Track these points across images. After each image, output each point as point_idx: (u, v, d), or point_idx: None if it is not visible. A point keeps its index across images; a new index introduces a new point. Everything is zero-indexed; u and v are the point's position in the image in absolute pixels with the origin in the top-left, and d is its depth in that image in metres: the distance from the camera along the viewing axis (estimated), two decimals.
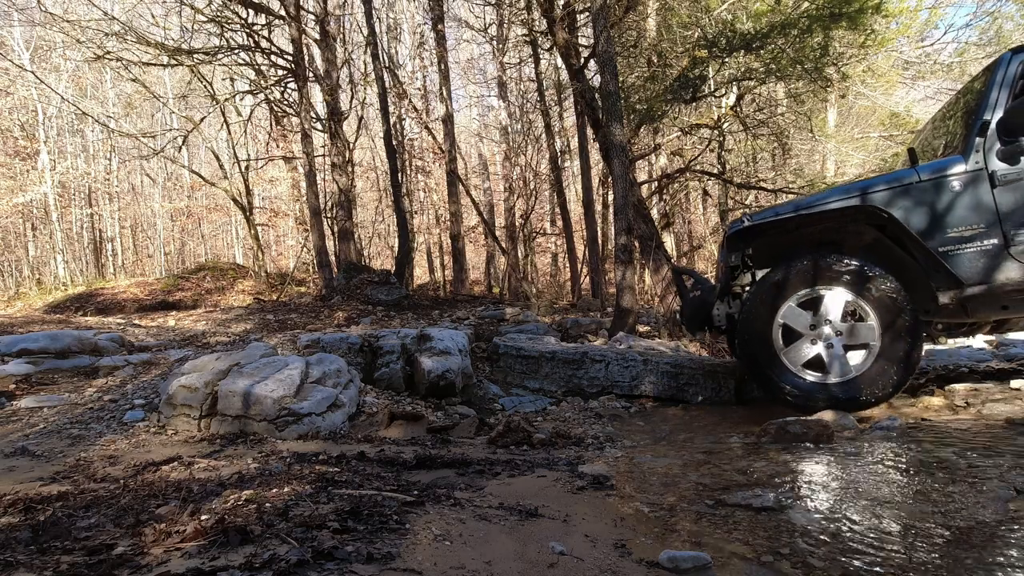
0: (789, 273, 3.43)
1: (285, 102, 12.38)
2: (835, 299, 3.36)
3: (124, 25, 9.72)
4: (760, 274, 3.78)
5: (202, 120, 13.52)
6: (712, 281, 3.93)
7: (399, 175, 11.86)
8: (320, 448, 3.08)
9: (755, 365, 3.54)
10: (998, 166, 3.13)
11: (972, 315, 3.45)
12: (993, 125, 3.17)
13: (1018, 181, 3.08)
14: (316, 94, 13.08)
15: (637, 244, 7.88)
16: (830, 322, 3.37)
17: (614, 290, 7.45)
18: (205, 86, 12.32)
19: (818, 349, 3.41)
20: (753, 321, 3.50)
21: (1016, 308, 3.37)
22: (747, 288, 3.83)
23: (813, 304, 3.42)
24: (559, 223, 16.52)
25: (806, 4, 7.55)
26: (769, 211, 3.72)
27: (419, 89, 17.79)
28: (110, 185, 21.10)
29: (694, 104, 9.96)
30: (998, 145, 3.14)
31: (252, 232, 14.34)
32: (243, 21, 10.19)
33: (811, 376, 3.44)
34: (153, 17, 11.68)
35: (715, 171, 12.24)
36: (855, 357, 3.40)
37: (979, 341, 6.95)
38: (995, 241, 3.11)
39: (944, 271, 3.20)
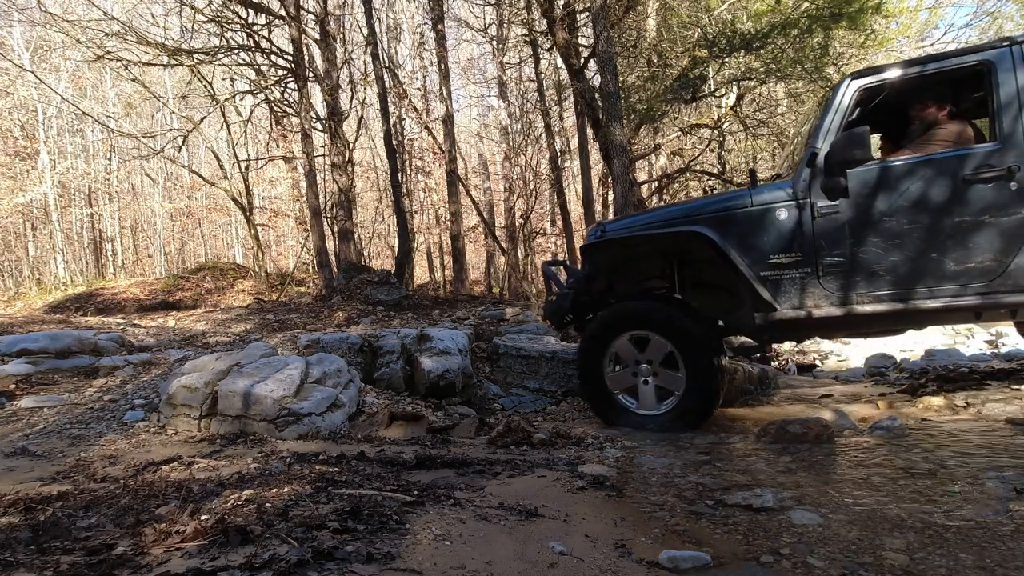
0: (618, 314, 3.66)
1: (285, 102, 12.37)
2: (657, 344, 3.55)
3: (124, 25, 9.71)
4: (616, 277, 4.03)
5: (202, 120, 13.50)
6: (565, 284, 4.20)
7: (399, 175, 11.85)
8: (320, 448, 3.08)
9: (583, 375, 3.80)
10: (820, 198, 3.20)
11: (786, 336, 3.71)
12: (821, 156, 3.21)
13: (835, 215, 3.17)
14: (316, 94, 13.07)
15: None
16: (650, 362, 3.58)
17: None
18: (205, 86, 12.31)
19: (636, 381, 3.65)
20: (591, 343, 3.74)
21: (828, 332, 3.62)
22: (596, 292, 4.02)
23: (640, 342, 3.61)
24: (559, 223, 16.50)
25: (806, 4, 7.56)
26: (624, 222, 3.90)
27: (419, 89, 17.79)
28: (110, 185, 21.10)
29: (694, 104, 9.97)
30: (823, 177, 3.20)
31: (252, 232, 14.33)
32: (243, 21, 10.18)
33: (626, 401, 3.68)
34: (153, 17, 11.69)
35: (715, 171, 12.25)
36: (666, 396, 3.60)
37: (979, 341, 6.95)
38: (808, 270, 3.22)
39: (760, 294, 3.29)
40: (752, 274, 3.28)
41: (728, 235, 3.32)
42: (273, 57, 10.65)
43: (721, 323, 3.69)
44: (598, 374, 3.69)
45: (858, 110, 3.30)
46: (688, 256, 3.70)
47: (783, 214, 3.25)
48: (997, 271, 2.94)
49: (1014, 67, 2.97)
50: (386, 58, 14.18)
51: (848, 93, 3.24)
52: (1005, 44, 3.01)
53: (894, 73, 3.21)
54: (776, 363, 7.11)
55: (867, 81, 3.24)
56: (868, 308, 3.15)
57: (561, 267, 5.07)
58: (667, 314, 3.49)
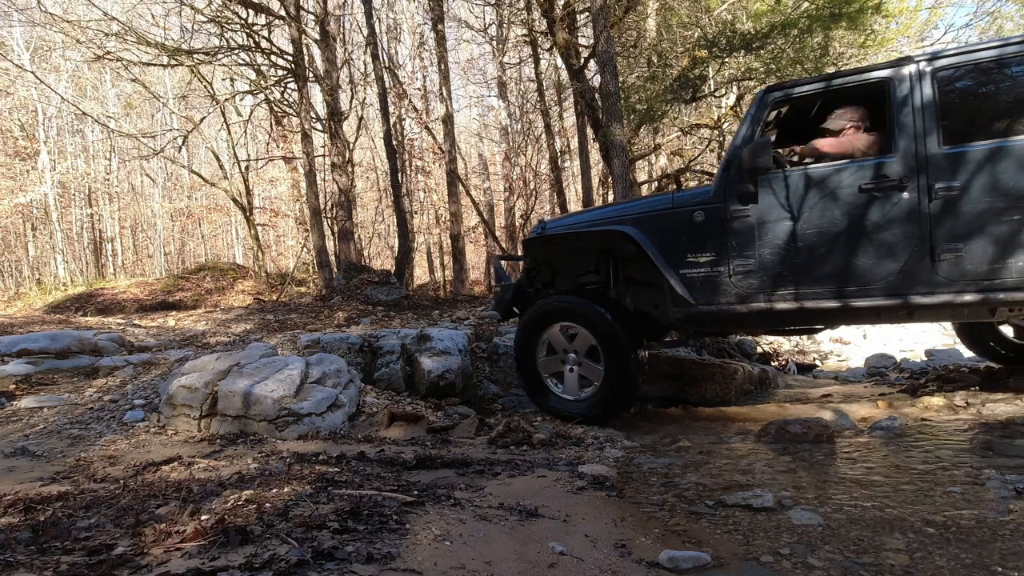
0: (543, 307, 3.94)
1: (285, 102, 12.35)
2: (581, 336, 3.83)
3: (124, 25, 9.70)
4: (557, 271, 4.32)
5: (202, 120, 13.49)
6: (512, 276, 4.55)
7: (399, 175, 11.85)
8: (320, 448, 3.08)
9: (519, 362, 4.11)
10: (732, 203, 3.42)
11: (706, 330, 4.01)
12: (736, 163, 3.40)
13: (746, 219, 3.38)
14: (316, 94, 13.06)
15: None
16: (576, 352, 3.87)
17: None
18: (205, 86, 12.30)
19: (563, 369, 3.95)
20: (524, 333, 4.04)
21: (743, 328, 3.89)
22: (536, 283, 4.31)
23: (566, 333, 3.89)
24: None
25: (806, 4, 7.55)
26: (564, 220, 4.25)
27: (419, 89, 17.77)
28: (110, 185, 21.08)
29: (694, 104, 9.96)
30: (735, 183, 3.41)
31: (252, 232, 14.32)
32: (243, 21, 10.17)
33: (554, 386, 3.99)
34: (153, 17, 11.67)
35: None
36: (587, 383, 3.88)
37: None
38: (721, 269, 3.44)
39: (677, 290, 3.50)
40: (671, 271, 3.51)
41: (649, 234, 3.58)
42: (273, 57, 10.64)
43: (651, 317, 3.90)
44: (532, 361, 3.99)
45: (773, 121, 3.55)
46: (619, 253, 3.92)
47: (700, 216, 3.48)
48: (891, 275, 3.11)
49: (910, 85, 3.12)
50: (386, 58, 14.19)
51: (761, 106, 3.43)
52: (904, 63, 3.17)
53: (805, 87, 3.43)
54: (776, 363, 7.11)
55: (780, 94, 3.46)
56: (775, 306, 3.35)
57: (521, 262, 5.25)
58: (587, 308, 3.74)
